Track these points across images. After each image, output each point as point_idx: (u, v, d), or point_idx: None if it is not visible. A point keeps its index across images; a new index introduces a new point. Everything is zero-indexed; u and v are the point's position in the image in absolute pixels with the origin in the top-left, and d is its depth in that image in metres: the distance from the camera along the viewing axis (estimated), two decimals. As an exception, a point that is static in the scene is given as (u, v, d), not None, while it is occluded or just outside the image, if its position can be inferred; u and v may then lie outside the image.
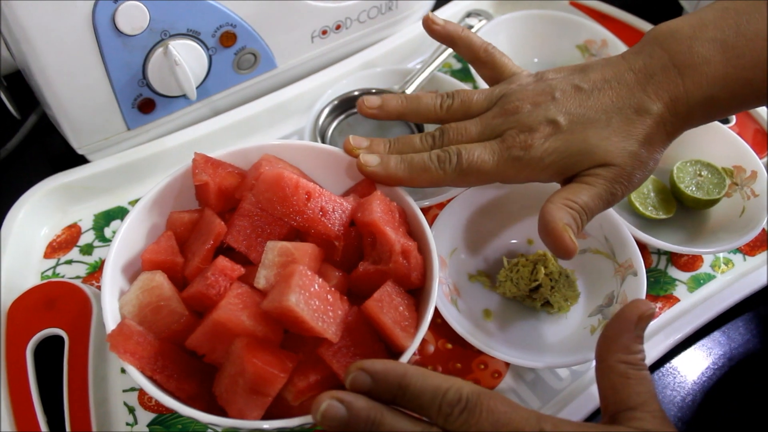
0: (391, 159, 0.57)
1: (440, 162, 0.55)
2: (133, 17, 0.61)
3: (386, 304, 0.51)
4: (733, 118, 0.77)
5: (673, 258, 0.69)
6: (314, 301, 0.48)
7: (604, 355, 0.45)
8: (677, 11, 0.91)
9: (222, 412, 0.48)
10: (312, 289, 0.48)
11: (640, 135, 0.52)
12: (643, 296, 0.58)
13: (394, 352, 0.51)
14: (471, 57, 0.63)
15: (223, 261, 0.51)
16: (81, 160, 0.72)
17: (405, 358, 0.49)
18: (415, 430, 0.41)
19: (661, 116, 0.52)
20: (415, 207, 0.57)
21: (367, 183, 0.59)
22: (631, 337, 0.45)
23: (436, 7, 0.88)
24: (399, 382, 0.42)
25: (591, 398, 0.57)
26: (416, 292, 0.54)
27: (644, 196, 0.69)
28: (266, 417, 0.47)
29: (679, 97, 0.52)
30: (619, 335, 0.45)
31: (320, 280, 0.49)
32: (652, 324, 0.64)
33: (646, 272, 0.60)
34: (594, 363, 0.47)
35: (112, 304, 0.52)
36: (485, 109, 0.58)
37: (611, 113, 0.53)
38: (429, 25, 0.64)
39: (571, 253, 0.50)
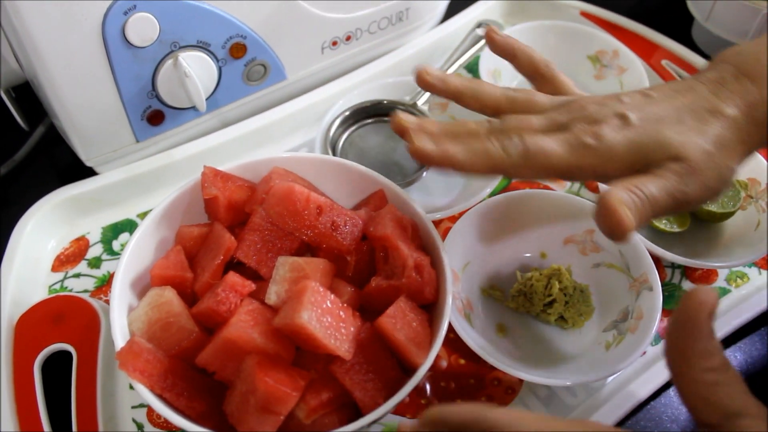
0: (447, 141, 0.51)
1: (503, 146, 0.50)
2: (143, 29, 0.61)
3: (399, 320, 0.50)
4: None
5: (687, 272, 0.68)
6: (326, 318, 0.47)
7: (682, 369, 0.40)
8: (688, 21, 0.90)
9: (233, 431, 0.47)
10: (324, 306, 0.47)
11: (713, 134, 0.49)
12: (659, 312, 0.57)
13: (407, 368, 0.51)
14: (531, 71, 0.60)
15: (233, 277, 0.51)
16: (89, 172, 0.72)
17: (419, 375, 0.48)
18: None
19: (736, 120, 0.49)
20: (428, 221, 0.56)
21: (379, 196, 0.58)
22: (707, 339, 0.39)
23: (446, 17, 0.87)
24: None
25: (606, 415, 0.56)
26: (429, 308, 0.54)
27: (658, 209, 0.68)
28: (278, 435, 0.47)
29: (754, 103, 0.49)
30: (693, 342, 0.39)
31: (332, 296, 0.48)
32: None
33: (661, 286, 0.59)
34: (669, 376, 0.43)
35: (121, 321, 0.51)
36: (548, 108, 0.54)
37: (683, 112, 0.50)
38: (491, 36, 0.61)
39: (624, 229, 0.45)
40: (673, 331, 0.40)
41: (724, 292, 0.67)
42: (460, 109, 0.75)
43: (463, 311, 0.59)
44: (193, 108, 0.69)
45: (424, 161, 0.52)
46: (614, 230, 0.45)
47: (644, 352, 0.61)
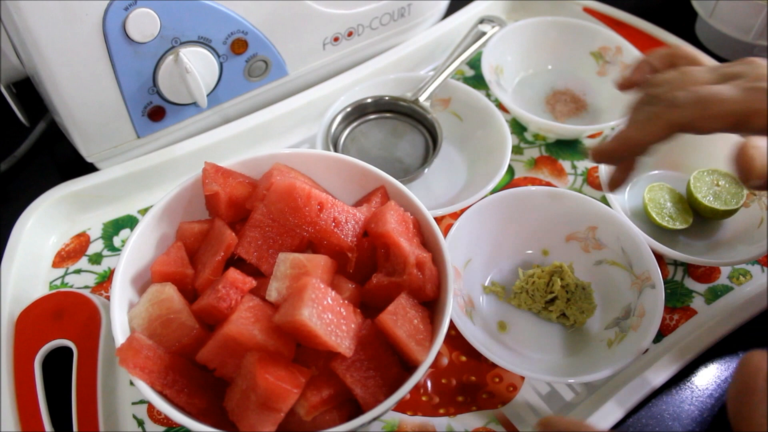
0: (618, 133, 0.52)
1: (668, 100, 0.48)
2: (144, 25, 0.61)
3: (400, 317, 0.50)
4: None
5: (690, 269, 0.68)
6: (327, 315, 0.47)
7: (743, 428, 0.44)
8: (692, 17, 0.90)
9: (233, 428, 0.47)
10: (325, 303, 0.47)
11: None
12: (661, 310, 0.57)
13: (408, 365, 0.50)
14: (669, 64, 0.57)
15: (234, 273, 0.50)
16: (90, 168, 0.71)
17: (420, 372, 0.48)
18: None
19: None
20: (429, 217, 0.56)
21: (380, 193, 0.58)
22: (763, 399, 0.43)
23: (448, 13, 0.87)
24: None
25: (608, 413, 0.56)
26: (430, 305, 0.54)
27: (661, 206, 0.68)
28: (278, 432, 0.47)
29: None
30: (751, 402, 0.43)
31: (333, 293, 0.48)
32: (670, 337, 0.63)
33: (663, 283, 0.59)
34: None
35: (121, 317, 0.51)
36: (710, 69, 0.51)
37: None
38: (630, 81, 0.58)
39: (751, 171, 0.45)
40: (732, 395, 0.43)
41: (727, 289, 0.66)
42: (462, 106, 0.76)
43: (464, 308, 0.59)
44: (194, 104, 0.69)
45: (607, 162, 0.55)
46: (742, 171, 0.46)
47: (646, 350, 0.61)
